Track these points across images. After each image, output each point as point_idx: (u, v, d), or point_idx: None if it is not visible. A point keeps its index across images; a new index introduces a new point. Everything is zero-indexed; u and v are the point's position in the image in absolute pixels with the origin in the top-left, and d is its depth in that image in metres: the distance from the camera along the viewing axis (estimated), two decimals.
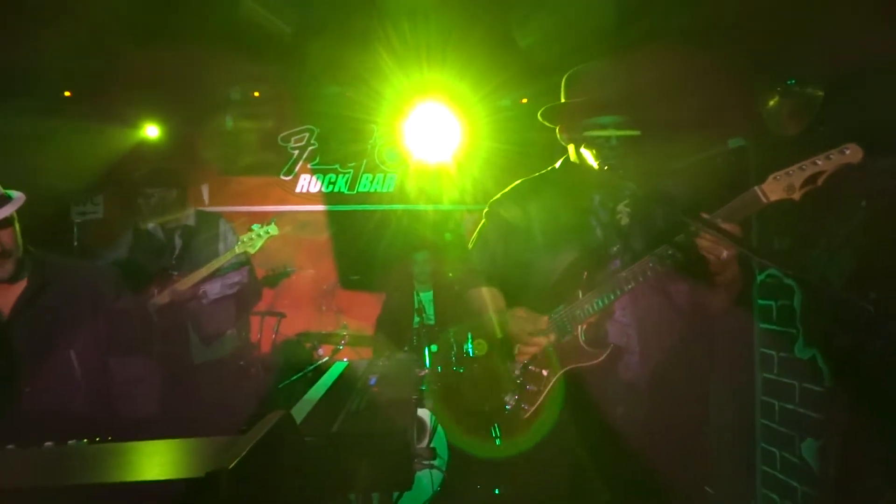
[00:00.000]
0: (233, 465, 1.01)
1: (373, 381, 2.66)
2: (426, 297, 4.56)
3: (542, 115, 2.12)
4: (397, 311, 4.64)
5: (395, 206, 5.71)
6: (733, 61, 3.21)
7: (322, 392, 2.37)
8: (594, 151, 1.94)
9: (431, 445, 3.59)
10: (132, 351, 3.04)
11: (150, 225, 3.62)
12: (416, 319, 4.35)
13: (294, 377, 4.34)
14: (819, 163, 1.53)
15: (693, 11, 2.97)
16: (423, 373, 3.90)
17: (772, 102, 3.13)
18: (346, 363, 3.11)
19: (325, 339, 4.47)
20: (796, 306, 2.89)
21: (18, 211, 2.00)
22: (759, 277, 3.16)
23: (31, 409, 1.98)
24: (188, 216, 3.69)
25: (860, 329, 2.39)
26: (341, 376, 2.79)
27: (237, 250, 3.36)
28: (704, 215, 1.64)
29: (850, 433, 2.44)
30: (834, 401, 2.56)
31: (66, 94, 4.59)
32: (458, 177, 5.27)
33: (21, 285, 2.03)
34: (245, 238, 3.36)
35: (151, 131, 4.90)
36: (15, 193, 2.00)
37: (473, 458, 3.68)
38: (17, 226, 1.98)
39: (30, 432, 1.30)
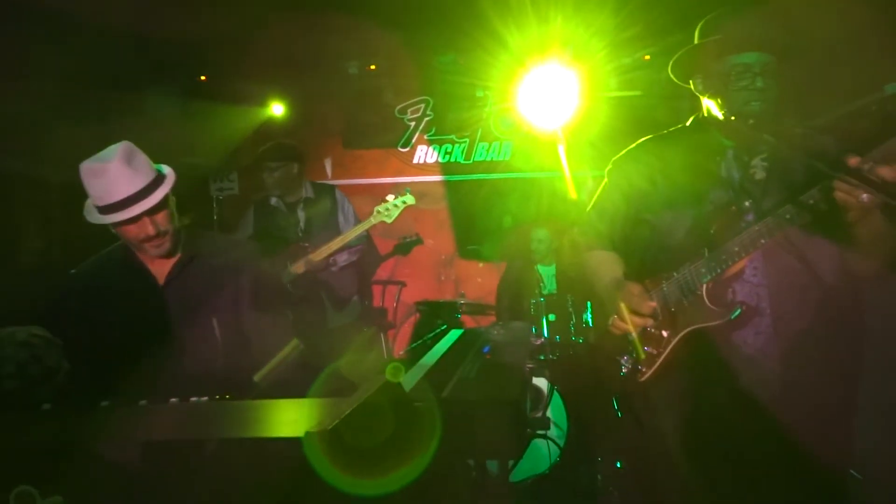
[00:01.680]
0: (331, 427, 1.02)
1: (486, 348, 2.65)
2: (547, 271, 4.47)
3: (673, 64, 1.96)
4: (517, 281, 4.59)
5: (511, 175, 5.63)
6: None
7: (436, 358, 2.39)
8: (734, 97, 1.76)
9: (548, 415, 3.54)
10: (268, 318, 3.24)
11: (273, 199, 3.81)
12: (535, 290, 4.28)
13: (413, 345, 4.45)
14: None
15: None
16: (539, 341, 3.84)
17: None
18: (462, 331, 3.12)
19: (442, 307, 4.52)
20: None
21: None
22: None
23: (177, 370, 2.15)
24: (307, 189, 3.85)
25: None
26: (456, 343, 2.80)
27: (374, 221, 3.44)
28: (853, 159, 1.44)
29: None
30: None
31: (202, 78, 4.92)
32: (576, 141, 5.08)
33: (175, 258, 2.19)
34: (381, 208, 3.43)
35: (277, 109, 5.14)
36: (166, 169, 2.10)
37: (594, 429, 3.59)
38: (172, 205, 2.10)
39: (175, 391, 1.41)
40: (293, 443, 0.99)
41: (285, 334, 3.22)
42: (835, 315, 1.78)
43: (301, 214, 3.79)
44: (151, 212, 1.98)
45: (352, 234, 3.40)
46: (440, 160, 5.79)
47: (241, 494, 1.02)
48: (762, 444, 1.76)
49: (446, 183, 5.77)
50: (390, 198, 3.36)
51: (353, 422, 1.19)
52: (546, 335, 3.97)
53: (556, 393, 3.62)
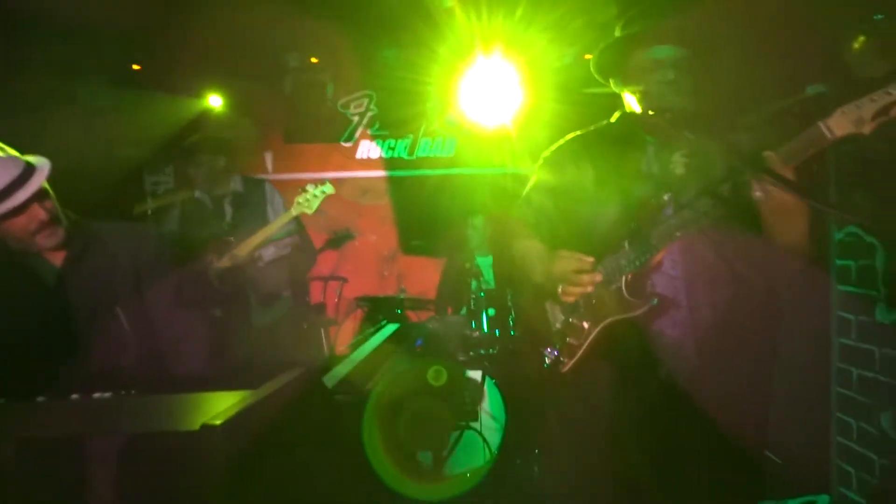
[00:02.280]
0: (225, 420, 1.00)
1: (419, 342, 2.64)
2: (484, 261, 4.49)
3: (593, 63, 1.99)
4: (456, 276, 4.60)
5: (454, 171, 5.65)
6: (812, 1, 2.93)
7: (366, 352, 2.38)
8: (648, 91, 1.80)
9: (486, 408, 3.56)
10: (180, 310, 3.14)
11: (198, 193, 3.71)
12: (474, 284, 4.30)
13: (354, 340, 4.40)
14: (893, 92, 1.35)
15: None
16: (475, 335, 3.86)
17: (857, 43, 2.84)
18: (397, 326, 3.11)
19: (383, 303, 4.49)
20: (878, 266, 2.65)
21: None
22: (838, 236, 2.91)
23: (84, 367, 2.05)
24: (235, 182, 3.75)
25: None
26: (390, 337, 2.79)
27: (294, 212, 3.37)
28: (767, 154, 1.50)
29: None
30: None
31: (135, 67, 4.75)
32: (518, 139, 5.12)
33: (64, 252, 2.08)
34: (301, 199, 3.36)
35: (215, 101, 5.00)
36: (38, 160, 1.97)
37: (531, 421, 3.62)
38: (52, 194, 1.99)
39: (84, 388, 1.35)
40: (190, 436, 0.96)
41: (194, 327, 3.14)
42: (749, 306, 1.84)
43: (228, 209, 3.69)
44: (39, 197, 1.88)
45: (273, 227, 3.32)
46: (384, 155, 5.76)
47: (134, 488, 0.98)
48: (681, 430, 1.80)
49: (390, 178, 5.74)
50: (310, 188, 3.30)
51: (255, 414, 1.16)
52: (486, 329, 4.00)
53: (494, 386, 3.65)
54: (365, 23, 4.50)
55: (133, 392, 1.40)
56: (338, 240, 5.19)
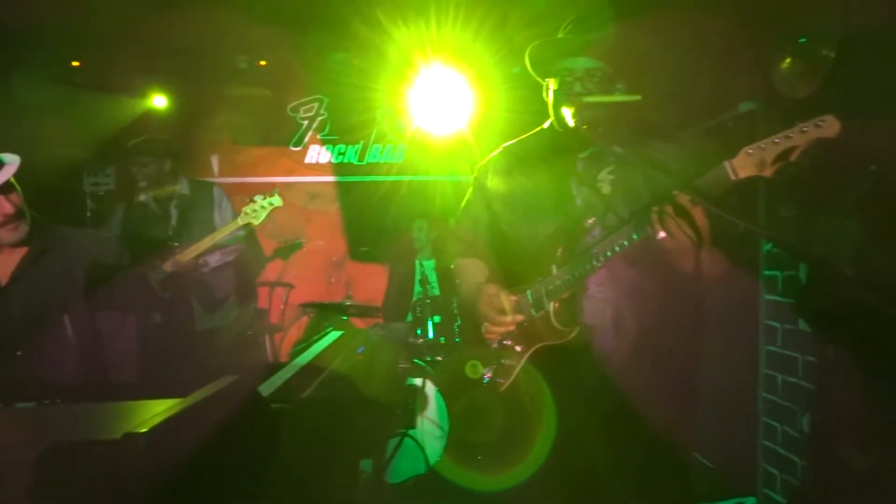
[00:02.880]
0: (149, 428, 0.99)
1: (360, 349, 2.64)
2: (429, 265, 4.52)
3: (531, 67, 2.02)
4: (402, 281, 4.62)
5: (404, 177, 5.66)
6: (745, 21, 3.07)
7: (307, 360, 2.37)
8: (558, 100, 1.85)
9: (429, 415, 3.59)
10: (126, 319, 3.06)
11: (143, 196, 3.64)
12: (419, 290, 4.33)
13: (298, 346, 4.36)
14: (793, 136, 1.42)
15: None
16: (418, 342, 3.88)
17: (784, 64, 2.99)
18: (341, 332, 3.10)
19: (329, 309, 4.46)
20: (802, 277, 2.79)
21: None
22: (766, 248, 3.05)
23: (23, 371, 2.00)
24: (182, 186, 3.69)
25: (835, 292, 2.29)
26: (332, 345, 2.79)
27: (240, 222, 3.34)
28: (676, 192, 1.56)
29: (824, 400, 2.36)
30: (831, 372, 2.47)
31: (74, 63, 4.60)
32: (470, 146, 5.17)
33: (23, 250, 2.04)
34: (248, 210, 3.33)
35: (159, 101, 4.89)
36: (8, 157, 1.96)
37: (473, 427, 3.66)
38: (20, 190, 1.96)
39: (21, 394, 1.31)
40: (111, 445, 0.95)
41: (147, 338, 3.07)
42: (675, 322, 1.89)
43: (174, 212, 3.63)
44: (6, 190, 1.85)
45: (219, 234, 3.28)
46: (333, 160, 5.73)
47: (50, 499, 0.97)
48: (612, 441, 1.86)
49: (339, 184, 5.72)
50: (258, 198, 3.28)
51: (184, 423, 1.15)
52: (431, 336, 4.03)
53: (438, 393, 3.67)
54: (315, 28, 4.48)
55: (58, 401, 1.37)
56: (286, 249, 5.14)
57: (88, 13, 3.96)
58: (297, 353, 4.27)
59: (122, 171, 5.24)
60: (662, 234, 1.58)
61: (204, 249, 3.31)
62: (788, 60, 2.93)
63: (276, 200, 3.32)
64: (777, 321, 2.97)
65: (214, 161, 5.62)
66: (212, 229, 3.53)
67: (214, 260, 3.54)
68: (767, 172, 1.47)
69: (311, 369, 2.19)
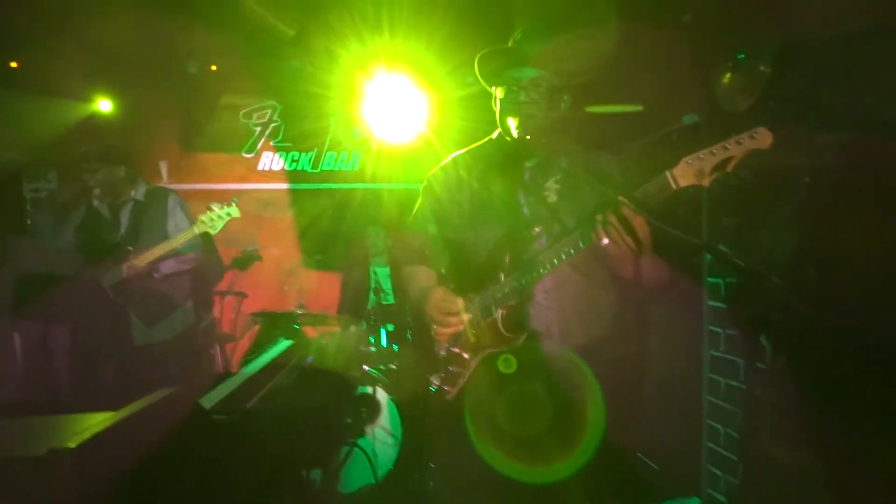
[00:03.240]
0: (77, 444, 0.97)
1: (309, 359, 2.62)
2: (383, 272, 4.51)
3: (480, 77, 2.05)
4: (356, 289, 4.60)
5: (359, 185, 5.64)
6: (688, 37, 3.17)
7: (254, 369, 2.33)
8: (504, 108, 1.88)
9: (383, 424, 3.57)
10: (61, 327, 2.97)
11: (95, 202, 3.55)
12: (373, 298, 4.31)
13: (251, 355, 4.29)
14: (729, 147, 1.50)
15: None
16: (370, 350, 3.86)
17: (725, 78, 3.10)
18: (291, 342, 3.06)
19: (280, 318, 4.40)
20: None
21: None
22: (709, 256, 3.14)
23: None
24: (138, 192, 3.61)
25: (763, 299, 2.39)
26: (282, 354, 2.75)
27: (196, 231, 3.32)
28: (622, 198, 1.61)
29: (750, 400, 2.45)
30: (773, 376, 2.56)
31: (13, 64, 4.44)
32: (425, 156, 5.19)
33: None
34: (205, 218, 3.31)
35: (104, 105, 4.76)
36: None
37: (428, 437, 3.66)
38: None
39: None
40: (36, 462, 0.92)
41: (89, 348, 2.98)
42: (620, 328, 1.94)
43: (125, 219, 3.54)
44: None
45: (176, 241, 3.24)
46: (286, 168, 5.67)
47: None
48: (560, 444, 1.89)
49: (292, 191, 5.66)
50: (215, 207, 3.26)
51: (117, 436, 1.13)
52: (384, 344, 4.01)
53: (391, 402, 3.66)
54: (268, 34, 4.44)
55: None
56: (245, 260, 5.05)
57: (26, 12, 3.84)
58: (246, 363, 4.21)
59: (69, 177, 5.07)
60: (606, 241, 1.63)
61: (159, 255, 3.30)
62: (728, 75, 3.04)
63: (234, 211, 3.34)
64: (720, 327, 3.06)
65: (163, 167, 5.48)
66: (164, 236, 3.48)
67: (167, 267, 3.46)
68: (706, 182, 1.53)
69: (257, 379, 2.16)
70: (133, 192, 3.59)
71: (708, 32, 3.11)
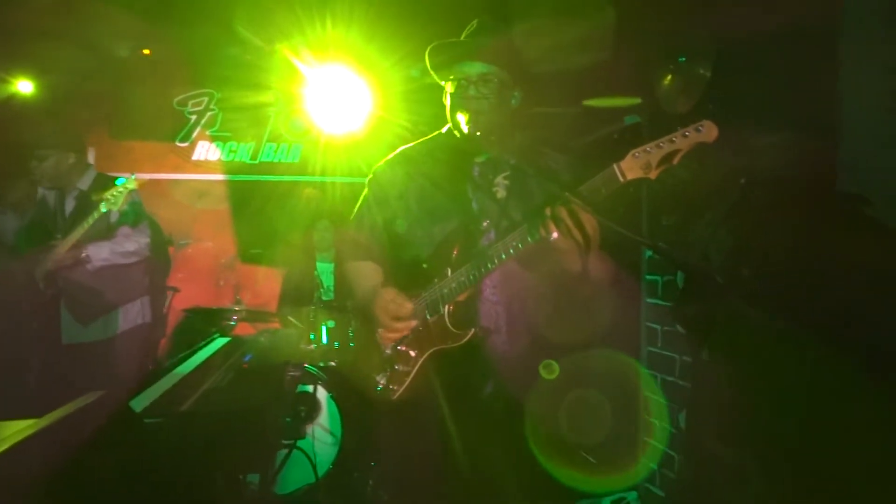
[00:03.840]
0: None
1: (247, 357, 2.52)
2: (325, 268, 4.42)
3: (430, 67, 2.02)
4: (297, 285, 4.49)
5: (299, 178, 5.51)
6: (630, 37, 3.23)
7: (188, 370, 2.22)
8: (454, 103, 1.86)
9: (323, 423, 3.50)
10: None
11: (41, 190, 3.38)
12: (315, 294, 4.22)
13: (182, 354, 4.12)
14: (675, 140, 1.51)
15: None
16: (310, 348, 3.78)
17: (666, 80, 3.17)
18: (228, 339, 2.95)
19: (218, 315, 4.25)
20: (679, 282, 2.96)
21: None
22: (647, 254, 3.21)
23: None
24: (85, 180, 3.45)
25: (708, 298, 2.46)
26: (217, 352, 2.64)
27: (102, 209, 3.18)
28: (569, 195, 1.60)
29: (695, 398, 2.52)
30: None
31: None
32: (367, 148, 5.10)
33: None
34: (107, 195, 3.16)
35: (24, 86, 4.47)
36: None
37: (368, 435, 3.61)
38: None
39: None
40: None
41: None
42: (566, 323, 1.96)
43: (69, 205, 3.36)
44: None
45: (85, 224, 3.14)
46: (223, 158, 5.48)
47: None
48: (504, 442, 1.89)
49: (230, 182, 5.47)
50: (117, 182, 3.19)
51: (42, 443, 1.05)
52: (325, 341, 3.93)
53: (331, 400, 3.59)
54: (205, 18, 4.26)
55: None
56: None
57: None
58: (178, 361, 4.04)
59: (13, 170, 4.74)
60: (555, 235, 1.62)
61: (76, 240, 3.17)
62: (669, 78, 3.11)
63: (131, 183, 3.23)
64: (657, 323, 3.13)
65: (90, 155, 5.20)
66: (107, 225, 3.33)
67: (99, 258, 3.28)
68: (653, 175, 1.54)
69: (192, 380, 2.06)
70: (79, 181, 3.42)
71: (649, 35, 3.17)
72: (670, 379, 2.99)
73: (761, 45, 2.46)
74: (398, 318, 1.85)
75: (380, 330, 1.90)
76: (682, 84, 3.00)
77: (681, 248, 2.97)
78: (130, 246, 3.41)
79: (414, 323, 1.86)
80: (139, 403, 1.68)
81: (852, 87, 2.11)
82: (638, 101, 1.86)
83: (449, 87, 1.91)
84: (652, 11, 3.07)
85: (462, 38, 1.95)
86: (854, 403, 2.04)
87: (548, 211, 1.63)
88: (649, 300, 3.19)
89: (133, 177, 3.21)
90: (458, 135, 1.91)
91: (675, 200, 3.05)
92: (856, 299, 2.03)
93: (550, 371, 1.82)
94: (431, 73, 1.99)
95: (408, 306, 1.84)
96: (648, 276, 3.19)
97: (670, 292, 3.04)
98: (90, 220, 3.15)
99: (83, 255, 3.23)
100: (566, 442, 2.00)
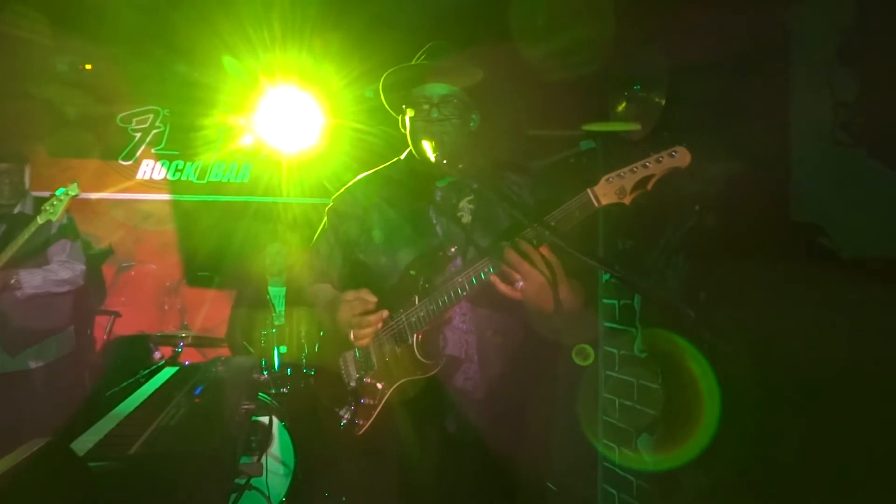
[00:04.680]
0: None
1: (198, 390, 2.40)
2: (276, 292, 4.30)
3: (385, 102, 1.99)
4: (249, 310, 4.35)
5: (249, 198, 5.37)
6: (585, 65, 3.28)
7: (136, 404, 2.09)
8: (416, 127, 1.83)
9: (274, 453, 3.37)
10: None
11: None
12: (266, 319, 4.10)
13: (124, 383, 3.92)
14: (649, 165, 1.50)
15: (547, 15, 2.99)
16: (262, 378, 3.66)
17: (620, 107, 3.23)
18: (176, 368, 2.81)
19: (163, 341, 4.07)
20: (636, 306, 2.99)
21: None
22: (604, 277, 3.24)
23: None
24: (25, 203, 3.30)
25: (682, 333, 2.49)
26: (166, 384, 2.50)
27: (40, 220, 3.03)
28: (540, 223, 1.57)
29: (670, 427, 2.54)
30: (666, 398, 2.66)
31: None
32: (319, 169, 5.02)
33: None
34: (47, 206, 3.02)
35: None
36: None
37: (322, 464, 3.51)
38: None
39: None
40: None
41: None
42: (532, 354, 1.92)
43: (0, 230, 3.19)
44: None
45: (20, 239, 2.99)
46: (169, 177, 5.30)
47: None
48: (470, 474, 1.83)
49: (175, 203, 5.28)
50: (58, 192, 3.05)
51: None
52: (276, 367, 3.81)
53: (283, 429, 3.47)
54: (150, 33, 4.13)
55: None
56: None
57: None
58: (123, 393, 3.85)
59: None
60: (521, 283, 1.57)
61: (7, 260, 3.01)
62: (624, 105, 3.17)
63: (73, 189, 3.09)
64: (615, 347, 3.15)
65: (25, 173, 4.94)
66: (43, 253, 3.16)
67: (31, 285, 3.10)
68: (627, 200, 1.53)
69: (139, 417, 1.94)
70: (21, 204, 3.27)
71: (605, 62, 3.22)
72: (629, 403, 3.01)
73: (714, 75, 2.53)
74: (366, 312, 1.76)
75: (351, 332, 1.80)
76: (636, 112, 3.06)
77: (638, 273, 3.02)
78: (65, 274, 3.26)
79: (386, 313, 1.77)
80: (82, 445, 1.56)
81: (802, 118, 2.19)
82: (638, 127, 1.86)
83: (409, 113, 1.88)
84: (607, 39, 3.12)
85: (414, 62, 1.92)
86: (808, 426, 2.09)
87: (509, 252, 1.57)
88: (607, 324, 3.21)
89: (75, 184, 3.08)
90: (420, 161, 1.88)
91: (631, 225, 3.10)
92: (808, 325, 2.09)
93: (585, 357, 1.75)
94: (386, 99, 1.96)
95: (372, 299, 1.77)
96: (606, 300, 3.21)
97: (627, 316, 3.07)
98: (26, 234, 3.00)
99: (12, 280, 3.06)
100: (530, 474, 1.95)
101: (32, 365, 3.23)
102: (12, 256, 3.01)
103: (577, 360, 1.74)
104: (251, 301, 4.34)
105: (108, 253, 4.76)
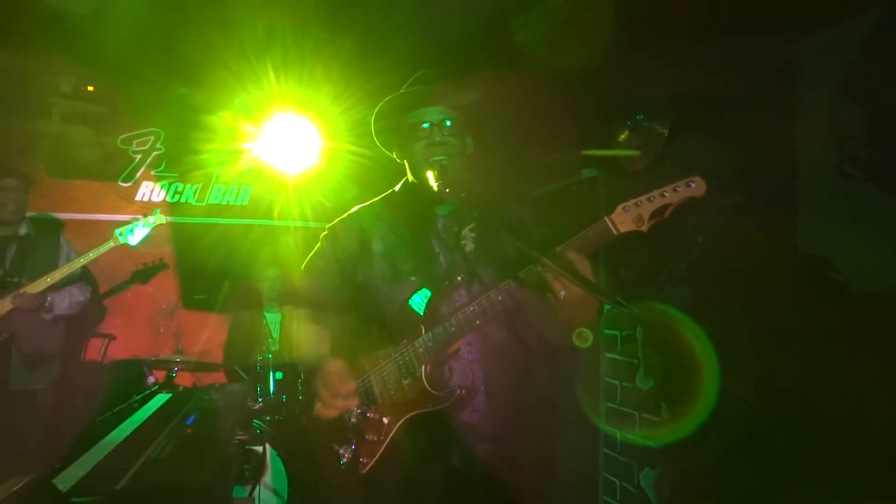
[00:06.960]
0: None
1: (190, 419, 2.34)
2: (273, 318, 4.25)
3: (375, 133, 1.97)
4: (246, 335, 4.30)
5: (249, 221, 5.34)
6: (587, 94, 3.28)
7: (127, 433, 2.04)
8: (414, 150, 1.81)
9: (268, 481, 3.29)
10: None
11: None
12: (263, 344, 4.04)
13: (116, 408, 3.84)
14: (667, 195, 1.49)
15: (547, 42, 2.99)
16: (256, 406, 3.59)
17: (622, 136, 3.22)
18: (169, 396, 2.75)
19: (158, 365, 4.00)
20: (639, 337, 2.95)
21: None
22: (606, 307, 3.19)
23: None
24: (22, 224, 3.29)
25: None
26: (158, 412, 2.45)
27: (111, 244, 3.13)
28: (559, 248, 1.54)
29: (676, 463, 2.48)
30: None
31: None
32: (319, 191, 5.01)
33: None
34: (123, 229, 3.16)
35: None
36: None
37: (318, 493, 3.42)
38: None
39: None
40: None
41: None
42: (537, 385, 1.86)
43: (11, 249, 3.17)
44: None
45: (81, 261, 3.01)
46: (168, 199, 5.27)
47: None
48: None
49: (173, 225, 5.24)
50: (137, 221, 3.18)
51: None
52: (272, 394, 3.75)
53: (277, 457, 3.40)
54: (152, 55, 4.14)
55: None
56: (147, 272, 4.61)
57: None
58: (114, 421, 3.77)
59: None
60: (563, 293, 1.52)
61: (58, 279, 3.07)
62: (626, 134, 3.16)
63: (160, 218, 3.25)
64: (616, 379, 3.10)
65: (29, 193, 4.92)
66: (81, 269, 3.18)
67: (62, 307, 3.13)
68: (645, 228, 1.51)
69: (128, 449, 1.89)
70: (22, 226, 3.30)
71: (608, 91, 3.22)
72: (630, 436, 2.94)
73: (718, 108, 2.52)
74: (337, 395, 1.70)
75: (317, 404, 1.75)
76: (638, 141, 3.05)
77: (640, 304, 2.98)
78: (81, 296, 3.35)
79: (353, 403, 1.73)
80: (68, 479, 1.51)
81: (809, 151, 2.17)
82: (638, 153, 1.84)
83: (406, 140, 1.85)
84: (611, 68, 3.13)
85: (403, 90, 1.90)
86: (813, 464, 2.04)
87: (527, 271, 1.56)
88: (608, 355, 3.17)
89: (158, 211, 3.25)
90: (419, 186, 1.85)
91: (633, 256, 3.07)
92: (816, 361, 2.05)
93: (584, 339, 1.70)
94: (381, 129, 1.94)
95: (350, 385, 1.72)
96: (608, 331, 3.17)
97: (629, 347, 3.02)
98: (89, 257, 3.08)
99: (47, 301, 3.11)
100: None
101: (41, 384, 3.24)
102: (56, 285, 3.06)
103: (577, 342, 1.69)
104: (248, 327, 4.29)
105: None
